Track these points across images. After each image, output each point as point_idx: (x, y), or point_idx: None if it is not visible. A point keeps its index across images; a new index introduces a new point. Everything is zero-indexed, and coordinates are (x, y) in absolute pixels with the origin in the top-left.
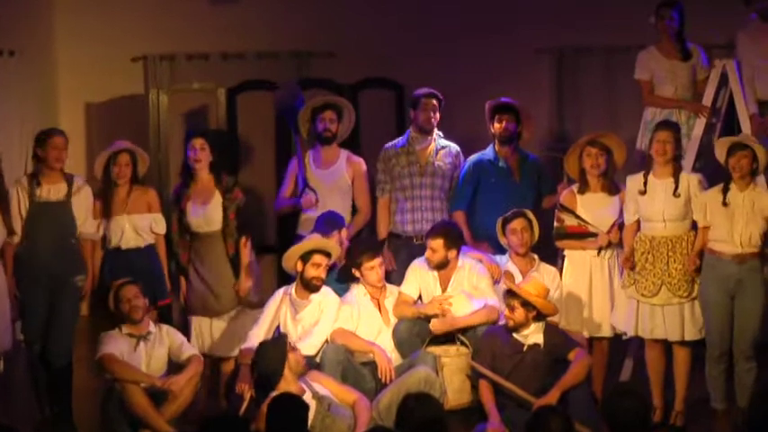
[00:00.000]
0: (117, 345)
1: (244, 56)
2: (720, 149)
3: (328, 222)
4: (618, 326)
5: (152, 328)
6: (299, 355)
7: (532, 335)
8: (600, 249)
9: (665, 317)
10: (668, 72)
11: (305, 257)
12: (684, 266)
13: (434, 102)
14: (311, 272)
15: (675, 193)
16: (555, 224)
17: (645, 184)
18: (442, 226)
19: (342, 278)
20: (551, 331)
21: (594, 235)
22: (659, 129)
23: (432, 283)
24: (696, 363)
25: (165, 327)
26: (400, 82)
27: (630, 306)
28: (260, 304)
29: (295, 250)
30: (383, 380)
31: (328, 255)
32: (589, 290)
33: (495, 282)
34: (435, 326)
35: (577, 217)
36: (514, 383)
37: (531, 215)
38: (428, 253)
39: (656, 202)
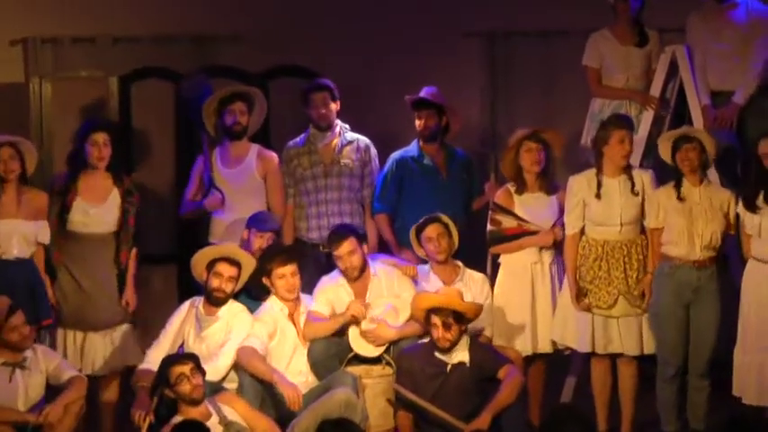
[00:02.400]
0: None
1: (138, 40)
2: (664, 146)
3: (264, 219)
4: (564, 341)
5: (28, 352)
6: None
7: (457, 353)
8: (541, 250)
9: (622, 330)
10: (621, 59)
11: (211, 265)
12: (642, 274)
13: (324, 94)
14: (213, 282)
15: (634, 191)
16: (489, 227)
17: (599, 186)
18: (341, 226)
19: (253, 292)
20: (477, 348)
21: (535, 233)
22: (617, 125)
23: (346, 297)
24: (643, 381)
25: (39, 348)
26: (315, 70)
27: (584, 320)
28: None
29: (201, 255)
30: (292, 408)
31: (238, 264)
32: (531, 301)
33: (415, 282)
34: (373, 335)
35: (517, 217)
36: (440, 407)
37: (446, 219)
38: (344, 262)
39: (613, 204)
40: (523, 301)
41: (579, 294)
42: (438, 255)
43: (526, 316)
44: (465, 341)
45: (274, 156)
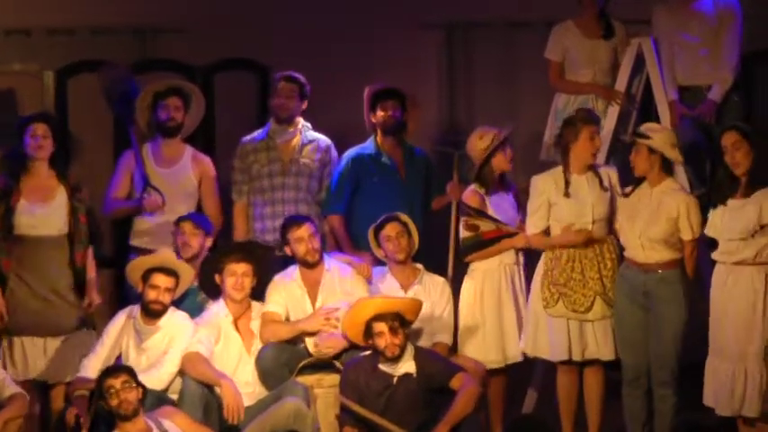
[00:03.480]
0: None
1: (75, 32)
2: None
3: (202, 216)
4: (536, 352)
5: None
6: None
7: (402, 363)
8: (517, 253)
9: (597, 334)
10: (587, 53)
11: (147, 275)
12: (615, 274)
13: (292, 86)
14: (150, 294)
15: (603, 187)
16: (464, 234)
17: (567, 184)
18: (294, 216)
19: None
20: (424, 356)
21: (513, 234)
22: (584, 122)
23: (299, 294)
24: (610, 390)
25: None
26: (264, 63)
27: (559, 327)
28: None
29: (136, 264)
30: (229, 420)
31: (175, 274)
32: (498, 309)
33: (369, 282)
34: (325, 346)
35: (494, 220)
36: (389, 421)
37: (405, 218)
38: (305, 244)
39: (584, 202)
40: (493, 310)
41: (549, 299)
42: (397, 254)
43: (495, 326)
44: (410, 350)
45: (209, 159)
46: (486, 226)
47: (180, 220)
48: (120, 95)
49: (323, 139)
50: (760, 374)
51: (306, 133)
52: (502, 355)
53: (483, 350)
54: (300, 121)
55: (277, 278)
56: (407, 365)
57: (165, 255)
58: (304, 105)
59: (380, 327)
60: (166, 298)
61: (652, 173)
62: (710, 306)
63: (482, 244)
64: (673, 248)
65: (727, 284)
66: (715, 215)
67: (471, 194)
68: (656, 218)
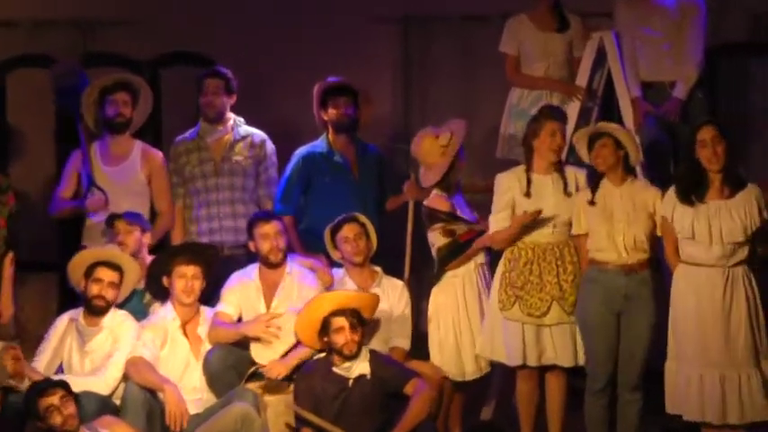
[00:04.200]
0: None
1: (14, 25)
2: (581, 145)
3: (136, 213)
4: (492, 355)
5: None
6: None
7: (357, 365)
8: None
9: (555, 339)
10: (540, 46)
11: (90, 272)
12: (576, 279)
13: (218, 82)
14: (93, 289)
15: (566, 191)
16: (442, 242)
17: (528, 183)
18: (264, 211)
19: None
20: (378, 360)
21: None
22: (548, 117)
23: (254, 295)
24: (572, 396)
25: None
26: (211, 57)
27: (515, 330)
28: (17, 337)
29: (78, 260)
30: (171, 427)
31: (119, 269)
32: (457, 317)
33: (329, 289)
34: (272, 372)
35: (465, 221)
36: (345, 427)
37: (364, 219)
38: (270, 242)
39: (545, 205)
40: (454, 317)
41: (506, 301)
42: (355, 257)
43: (458, 334)
44: (365, 352)
45: (160, 154)
46: (460, 229)
47: (111, 218)
48: (68, 91)
49: (257, 133)
50: (748, 378)
51: (238, 129)
52: (472, 366)
53: (449, 361)
54: (232, 117)
55: (235, 276)
56: (362, 367)
57: (108, 248)
58: (232, 100)
59: (340, 322)
60: (110, 294)
61: (617, 170)
62: (672, 308)
63: (460, 248)
64: (649, 247)
65: (692, 286)
66: (684, 216)
67: (440, 199)
68: (636, 217)
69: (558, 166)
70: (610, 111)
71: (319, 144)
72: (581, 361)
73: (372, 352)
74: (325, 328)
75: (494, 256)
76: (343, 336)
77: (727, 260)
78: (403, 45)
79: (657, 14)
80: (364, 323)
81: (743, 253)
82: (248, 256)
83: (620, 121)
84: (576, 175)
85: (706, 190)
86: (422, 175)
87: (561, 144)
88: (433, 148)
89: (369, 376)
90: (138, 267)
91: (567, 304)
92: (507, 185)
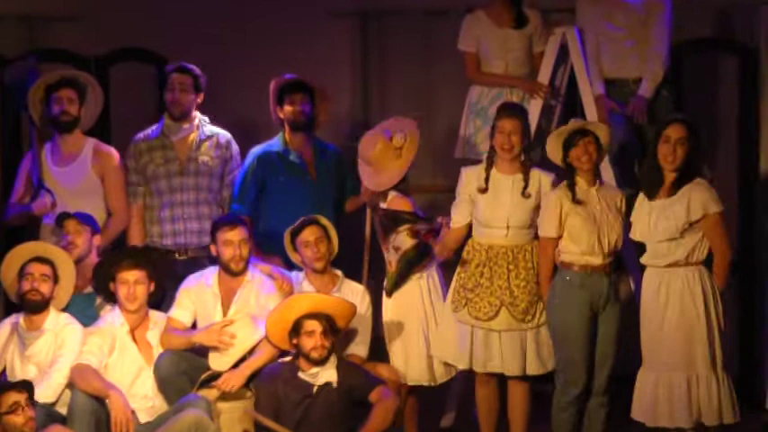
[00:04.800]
0: None
1: None
2: (554, 145)
3: (83, 214)
4: (442, 356)
5: None
6: None
7: (324, 372)
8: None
9: (503, 346)
10: (499, 43)
11: (20, 272)
12: (529, 285)
13: (186, 78)
14: (25, 285)
15: (525, 194)
16: (410, 242)
17: (487, 180)
18: (229, 216)
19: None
20: (346, 367)
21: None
22: (502, 115)
23: (211, 301)
24: (535, 401)
25: None
26: (163, 54)
27: (462, 333)
28: None
29: (7, 262)
30: None
31: (50, 263)
32: (424, 318)
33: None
34: (227, 384)
35: (425, 219)
36: None
37: (325, 222)
38: (233, 249)
39: (500, 205)
40: (414, 320)
41: (457, 302)
42: (316, 262)
43: (416, 337)
44: (333, 359)
45: (113, 152)
46: (423, 229)
47: (62, 217)
48: (22, 89)
49: (222, 133)
50: (715, 381)
51: (203, 128)
52: (446, 367)
53: (408, 364)
54: (197, 115)
55: (191, 280)
56: (328, 374)
57: (36, 243)
58: (200, 99)
59: (313, 325)
60: (44, 287)
61: (592, 171)
62: (642, 314)
63: (426, 248)
64: (619, 248)
65: (660, 290)
66: (641, 216)
67: (402, 200)
68: (614, 218)
69: (524, 167)
70: (573, 108)
71: (275, 143)
72: (530, 370)
73: (341, 359)
74: (296, 329)
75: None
76: (313, 340)
77: (662, 260)
78: (361, 40)
79: (621, 10)
80: (337, 332)
81: (679, 252)
82: (211, 260)
83: (583, 119)
84: (540, 178)
85: (658, 188)
86: (370, 177)
87: (516, 143)
88: (387, 151)
89: (335, 384)
90: (70, 258)
91: (518, 311)
92: (467, 179)
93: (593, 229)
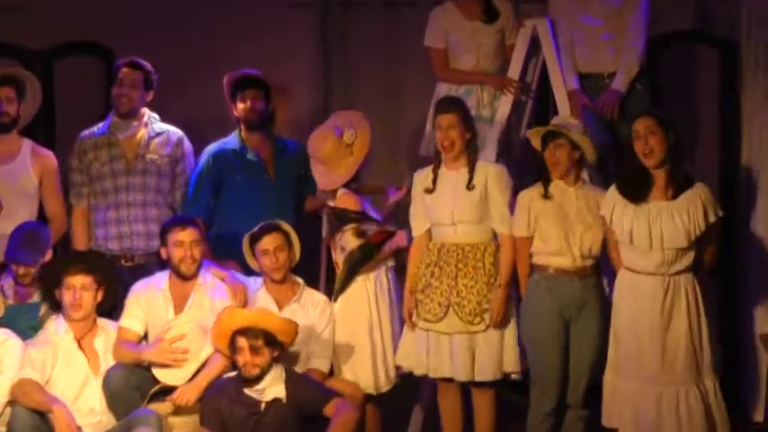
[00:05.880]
0: None
1: None
2: (534, 141)
3: (30, 243)
4: (399, 360)
5: None
6: None
7: (271, 387)
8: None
9: (454, 350)
10: (469, 37)
11: None
12: (478, 285)
13: (136, 74)
14: None
15: (469, 186)
16: (354, 244)
17: (434, 180)
18: (180, 216)
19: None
20: (296, 380)
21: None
22: (438, 111)
23: (162, 307)
24: (505, 411)
25: None
26: (111, 47)
27: (418, 336)
28: None
29: None
30: None
31: None
32: (370, 323)
33: (244, 305)
34: (182, 399)
35: (376, 220)
36: None
37: (287, 227)
38: (183, 250)
39: (444, 200)
40: (364, 326)
41: (409, 308)
42: (274, 273)
43: (368, 342)
44: (280, 373)
45: (51, 154)
46: (371, 230)
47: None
48: None
49: (173, 131)
50: (686, 395)
51: (152, 126)
52: (372, 380)
53: (356, 372)
54: (146, 112)
55: (139, 285)
56: (276, 390)
57: None
58: (149, 97)
59: (241, 342)
60: None
61: (571, 171)
62: (613, 317)
63: (372, 250)
64: (599, 252)
65: (631, 294)
66: (624, 218)
67: (349, 197)
68: (592, 220)
69: (469, 161)
70: (545, 104)
71: (231, 140)
72: (479, 376)
73: (289, 372)
74: (232, 344)
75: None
76: (242, 357)
77: (668, 268)
78: (322, 32)
79: (597, 1)
80: (278, 346)
81: (687, 260)
82: (160, 265)
83: (555, 115)
84: (486, 171)
85: (649, 189)
86: (322, 176)
87: (457, 139)
88: (338, 149)
89: (284, 400)
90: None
91: (464, 312)
92: (417, 182)
93: (563, 230)
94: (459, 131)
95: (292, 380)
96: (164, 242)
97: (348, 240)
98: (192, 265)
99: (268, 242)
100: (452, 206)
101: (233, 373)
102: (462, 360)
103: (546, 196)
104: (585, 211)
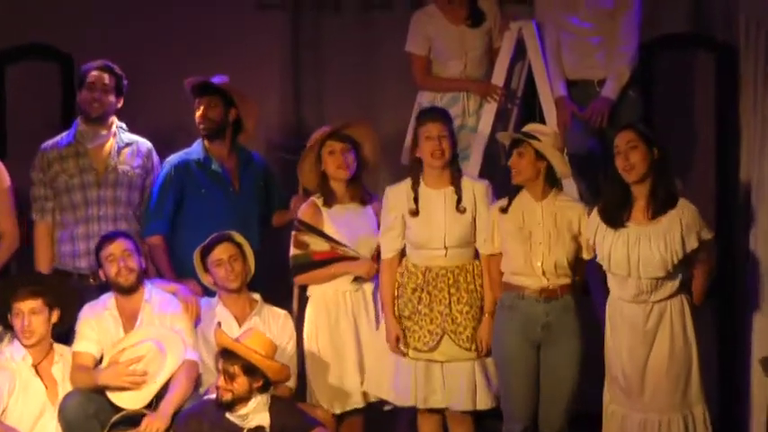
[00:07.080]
0: None
1: None
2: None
3: None
4: (379, 393)
5: None
6: None
7: (254, 414)
8: (358, 279)
9: (447, 379)
10: (455, 42)
11: None
12: (473, 309)
13: (108, 78)
14: None
15: (459, 208)
16: (293, 251)
17: (416, 199)
18: (108, 232)
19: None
20: (280, 408)
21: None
22: (426, 120)
23: (112, 327)
24: None
25: None
26: (68, 51)
27: (402, 366)
28: None
29: None
30: None
31: None
32: (334, 345)
33: (197, 322)
34: (150, 427)
35: (328, 238)
36: None
37: (239, 238)
38: (116, 262)
39: (435, 225)
40: (335, 342)
41: (395, 334)
42: (230, 282)
43: (343, 363)
44: (265, 400)
45: (2, 167)
46: (317, 245)
47: None
48: None
49: (142, 141)
50: (668, 424)
51: (121, 135)
52: (337, 400)
53: (315, 393)
54: (114, 120)
55: (87, 309)
56: (260, 418)
57: None
58: (120, 103)
59: (219, 364)
60: None
61: (536, 182)
62: (605, 337)
63: (311, 264)
64: (572, 271)
65: (616, 318)
66: (604, 241)
67: (307, 206)
68: (557, 238)
69: (453, 178)
70: (531, 112)
71: (194, 150)
72: (480, 405)
73: (275, 399)
74: (216, 363)
75: None
76: (219, 379)
77: (647, 296)
78: (292, 36)
79: (586, 2)
80: (261, 377)
81: (669, 287)
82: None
83: (542, 123)
84: (473, 188)
85: (629, 210)
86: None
87: (443, 148)
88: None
89: (268, 428)
90: None
91: (462, 339)
92: (395, 201)
93: (525, 248)
94: (449, 141)
95: (276, 407)
96: (99, 263)
97: (291, 246)
98: (129, 275)
99: (221, 251)
100: (444, 230)
101: (212, 396)
102: (460, 389)
103: (504, 210)
104: (552, 228)
